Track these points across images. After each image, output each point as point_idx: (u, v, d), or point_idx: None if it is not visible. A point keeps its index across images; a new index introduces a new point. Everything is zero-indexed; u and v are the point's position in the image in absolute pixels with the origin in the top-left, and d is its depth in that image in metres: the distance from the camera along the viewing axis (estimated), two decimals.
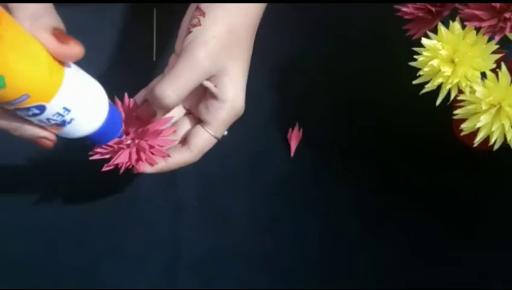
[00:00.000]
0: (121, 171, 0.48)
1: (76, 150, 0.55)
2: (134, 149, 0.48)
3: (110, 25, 0.67)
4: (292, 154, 0.61)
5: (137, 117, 0.47)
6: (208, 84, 0.50)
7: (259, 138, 0.62)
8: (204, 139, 0.50)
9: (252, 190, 0.60)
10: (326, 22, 0.68)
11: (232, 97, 0.50)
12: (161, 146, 0.48)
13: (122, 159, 0.47)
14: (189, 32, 0.48)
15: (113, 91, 0.60)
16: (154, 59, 0.66)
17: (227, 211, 0.59)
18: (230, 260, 0.57)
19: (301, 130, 0.62)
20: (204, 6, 0.49)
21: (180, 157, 0.49)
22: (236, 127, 0.56)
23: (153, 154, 0.48)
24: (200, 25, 0.48)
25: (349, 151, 0.62)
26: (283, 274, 0.57)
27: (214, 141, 0.50)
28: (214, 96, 0.50)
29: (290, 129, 0.62)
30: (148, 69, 0.66)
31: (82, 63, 0.61)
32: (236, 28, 0.50)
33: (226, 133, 0.52)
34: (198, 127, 0.50)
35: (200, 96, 0.52)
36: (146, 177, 0.58)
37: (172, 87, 0.47)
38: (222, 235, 0.58)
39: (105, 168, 0.48)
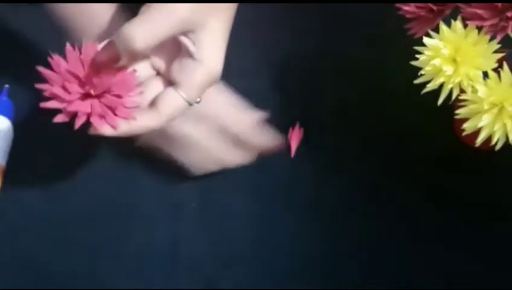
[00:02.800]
0: (77, 126, 0.41)
1: (75, 150, 0.56)
2: (96, 101, 0.41)
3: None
4: (292, 154, 0.61)
5: (99, 60, 0.41)
6: (184, 39, 0.45)
7: None
8: (175, 103, 0.45)
9: (251, 190, 0.60)
10: (326, 21, 0.68)
11: (209, 58, 0.45)
12: (126, 107, 0.43)
13: (82, 108, 0.41)
14: None
15: None
16: None
17: (227, 212, 0.59)
18: (229, 261, 0.57)
19: (302, 130, 0.62)
20: None
21: (146, 121, 0.44)
22: None
23: (115, 115, 0.42)
24: None
25: (350, 151, 0.62)
26: (283, 275, 0.57)
27: (186, 105, 0.45)
28: (189, 54, 0.45)
29: (291, 129, 0.62)
30: None
31: None
32: None
33: (199, 99, 0.46)
34: (170, 89, 0.45)
35: (173, 55, 0.47)
36: (146, 177, 0.59)
37: (143, 28, 0.42)
38: (221, 236, 0.58)
39: (57, 119, 0.42)
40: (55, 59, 0.42)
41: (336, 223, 0.59)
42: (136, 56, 0.43)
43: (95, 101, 0.41)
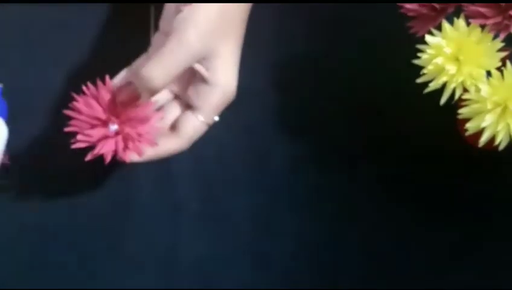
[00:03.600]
0: (107, 161, 0.45)
1: (73, 150, 0.55)
2: (120, 137, 0.45)
3: (107, 24, 0.67)
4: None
5: (119, 101, 0.44)
6: (198, 67, 0.48)
7: (259, 138, 0.61)
8: (194, 126, 0.48)
9: (251, 190, 0.60)
10: (327, 21, 0.67)
11: (223, 81, 0.48)
12: (149, 134, 0.46)
13: (107, 148, 0.45)
14: (180, 11, 0.46)
15: None
16: None
17: (227, 212, 0.59)
18: (229, 261, 0.57)
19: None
20: None
21: (170, 145, 0.47)
22: (237, 127, 0.56)
23: (140, 142, 0.45)
24: (191, 5, 0.46)
25: (351, 150, 0.62)
26: (283, 275, 0.57)
27: (205, 127, 0.48)
28: (204, 80, 0.48)
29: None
30: None
31: (80, 62, 0.61)
32: (228, 9, 0.48)
33: (217, 118, 0.49)
34: (188, 113, 0.48)
35: (189, 80, 0.49)
36: (145, 177, 0.59)
37: (161, 68, 0.44)
38: (221, 236, 0.58)
39: (88, 158, 0.46)
40: (77, 105, 0.45)
41: (337, 223, 0.59)
42: (156, 92, 0.45)
43: (119, 137, 0.45)
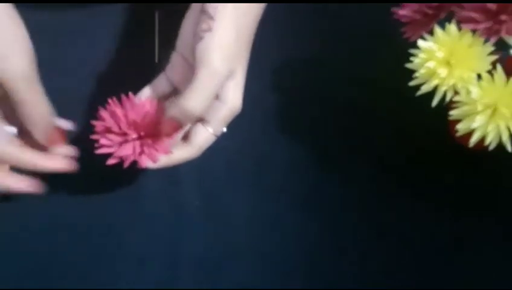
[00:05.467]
0: (126, 164, 0.49)
1: (76, 145, 0.55)
2: (138, 143, 0.49)
3: (112, 26, 0.67)
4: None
5: (165, 133, 0.49)
6: None
7: (260, 139, 0.62)
8: (205, 137, 0.51)
9: (253, 190, 0.60)
10: (325, 23, 0.68)
11: (232, 98, 0.51)
12: (165, 143, 0.50)
13: (126, 151, 0.48)
14: (201, 38, 0.49)
15: (115, 92, 0.61)
16: (156, 60, 0.67)
17: (229, 211, 0.59)
18: (231, 260, 0.57)
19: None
20: (210, 8, 0.49)
21: (182, 154, 0.51)
22: (238, 127, 0.56)
23: (156, 151, 0.49)
24: (210, 30, 0.48)
25: (349, 151, 0.62)
26: (283, 274, 0.57)
27: (214, 138, 0.52)
28: (216, 97, 0.50)
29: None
30: (150, 70, 0.66)
31: (84, 64, 0.62)
32: (242, 29, 0.50)
33: (224, 130, 0.53)
34: (199, 126, 0.51)
35: None
36: (149, 176, 0.59)
37: (199, 100, 0.48)
38: (223, 235, 0.58)
39: (110, 161, 0.49)
40: (102, 115, 0.50)
41: (337, 223, 0.59)
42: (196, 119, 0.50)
43: (137, 143, 0.49)
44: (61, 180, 0.53)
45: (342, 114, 0.64)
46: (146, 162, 0.50)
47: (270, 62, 0.64)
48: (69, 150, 0.51)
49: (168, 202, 0.59)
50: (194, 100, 0.47)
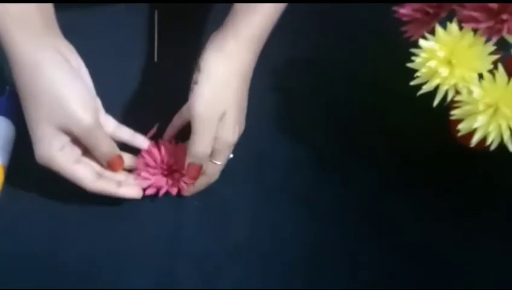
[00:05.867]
0: (160, 194, 0.58)
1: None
2: (170, 176, 0.59)
3: (111, 26, 0.68)
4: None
5: (189, 177, 0.57)
6: None
7: (260, 138, 0.62)
8: (215, 168, 0.58)
9: (253, 189, 0.60)
10: (326, 23, 0.68)
11: (224, 136, 0.56)
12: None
13: (159, 183, 0.58)
14: (191, 90, 0.55)
15: (115, 91, 0.61)
16: (156, 60, 0.67)
17: (228, 211, 0.59)
18: (230, 259, 0.57)
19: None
20: (201, 61, 0.55)
21: (202, 182, 0.59)
22: None
23: (184, 182, 0.58)
24: (196, 83, 0.55)
25: (349, 151, 0.62)
26: (283, 273, 0.56)
27: (222, 166, 0.58)
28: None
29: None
30: (149, 69, 0.66)
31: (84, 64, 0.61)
32: (231, 77, 0.56)
33: (232, 155, 0.59)
34: (209, 162, 0.58)
35: None
36: None
37: (207, 140, 0.55)
38: (223, 235, 0.58)
39: (148, 192, 0.58)
40: (144, 155, 0.59)
41: (337, 222, 0.59)
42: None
43: (169, 177, 0.59)
44: (62, 182, 0.53)
45: (342, 114, 0.64)
46: (176, 192, 0.58)
47: (271, 62, 0.64)
48: (125, 176, 0.59)
49: (168, 202, 0.58)
50: (198, 145, 0.55)
